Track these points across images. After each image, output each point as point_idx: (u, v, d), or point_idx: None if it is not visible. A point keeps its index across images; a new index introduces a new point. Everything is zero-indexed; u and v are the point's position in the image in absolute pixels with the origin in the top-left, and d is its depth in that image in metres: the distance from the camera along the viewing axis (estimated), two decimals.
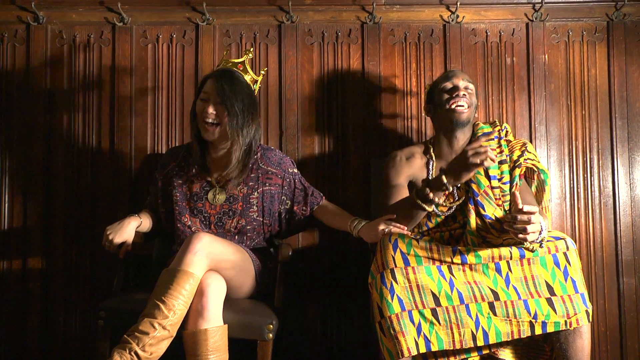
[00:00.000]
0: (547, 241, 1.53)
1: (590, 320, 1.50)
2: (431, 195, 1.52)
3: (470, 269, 1.51)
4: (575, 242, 2.20)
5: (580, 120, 2.25)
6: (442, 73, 1.94)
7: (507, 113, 2.25)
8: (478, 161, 1.43)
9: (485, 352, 1.60)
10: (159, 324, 1.43)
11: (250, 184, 1.79)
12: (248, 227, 1.80)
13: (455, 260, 1.50)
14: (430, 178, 1.54)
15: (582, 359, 1.51)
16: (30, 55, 2.26)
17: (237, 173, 1.74)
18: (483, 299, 1.48)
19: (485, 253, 1.50)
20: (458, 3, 2.22)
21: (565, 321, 1.47)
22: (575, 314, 1.47)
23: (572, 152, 2.24)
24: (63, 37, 2.27)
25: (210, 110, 1.70)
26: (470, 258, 1.50)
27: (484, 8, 2.28)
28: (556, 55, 2.27)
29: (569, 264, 1.50)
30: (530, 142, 2.23)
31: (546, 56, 2.27)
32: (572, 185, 2.23)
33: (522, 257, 1.49)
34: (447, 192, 1.79)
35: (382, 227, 1.60)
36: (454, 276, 1.50)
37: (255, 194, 1.79)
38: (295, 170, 1.88)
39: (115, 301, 1.69)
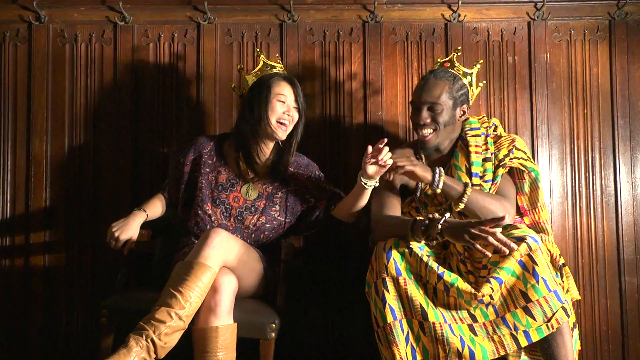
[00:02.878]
0: (510, 238, 1.49)
1: (570, 314, 1.48)
2: (422, 236, 1.52)
3: (453, 297, 1.50)
4: (577, 241, 2.20)
5: (582, 119, 2.25)
6: (423, 77, 1.84)
7: (509, 112, 2.25)
8: (475, 239, 1.43)
9: None
10: (176, 314, 1.44)
11: (276, 184, 1.86)
12: (267, 225, 1.84)
13: (438, 287, 1.49)
14: (428, 222, 1.51)
15: (566, 354, 1.49)
16: (32, 54, 2.26)
17: (282, 169, 1.85)
18: (462, 322, 1.48)
19: (467, 289, 1.45)
20: (460, 2, 2.21)
21: (547, 325, 1.45)
22: (554, 314, 1.45)
23: (573, 151, 2.24)
24: (65, 36, 2.27)
25: (293, 112, 1.83)
26: (452, 291, 1.47)
27: (486, 7, 2.28)
28: (558, 54, 2.27)
29: (536, 264, 1.46)
30: (532, 141, 2.23)
31: (548, 55, 2.27)
32: (573, 184, 2.23)
33: (500, 284, 1.45)
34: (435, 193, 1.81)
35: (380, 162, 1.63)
36: (435, 297, 1.50)
37: (280, 193, 1.86)
38: (321, 174, 1.96)
39: (117, 299, 1.70)
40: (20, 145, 2.25)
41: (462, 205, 1.67)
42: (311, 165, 1.95)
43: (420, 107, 1.76)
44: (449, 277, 1.47)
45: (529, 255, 1.47)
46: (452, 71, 1.80)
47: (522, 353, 1.65)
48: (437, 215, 1.53)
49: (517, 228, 1.54)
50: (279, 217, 1.86)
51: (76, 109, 2.25)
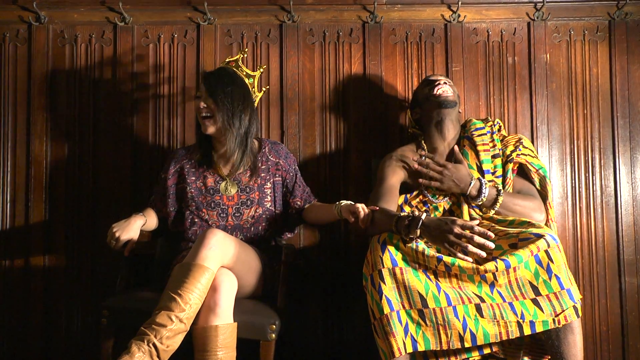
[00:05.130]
0: (527, 239, 1.49)
1: (580, 315, 1.48)
2: (403, 233, 1.50)
3: (455, 276, 1.49)
4: (577, 241, 2.20)
5: (582, 119, 2.25)
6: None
7: (509, 112, 2.25)
8: (454, 247, 1.42)
9: (486, 351, 1.60)
10: (176, 317, 1.44)
11: (262, 174, 1.90)
12: (263, 217, 1.87)
13: (439, 268, 1.48)
14: (408, 222, 1.49)
15: (575, 354, 1.49)
16: (32, 55, 2.26)
17: (239, 162, 1.85)
18: (470, 301, 1.46)
19: (468, 265, 1.45)
20: (459, 2, 2.22)
21: (554, 319, 1.45)
22: (563, 311, 1.45)
23: (573, 152, 2.24)
24: (64, 36, 2.27)
25: (202, 105, 1.84)
26: (454, 269, 1.47)
27: (486, 7, 2.28)
28: (558, 55, 2.27)
29: (552, 261, 1.46)
30: (532, 141, 2.23)
31: (548, 55, 2.27)
32: (573, 185, 2.23)
33: (507, 267, 1.44)
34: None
35: (358, 205, 1.65)
36: (439, 281, 1.49)
37: (268, 184, 1.91)
38: (297, 168, 2.01)
39: (118, 300, 1.70)
40: (20, 146, 2.25)
41: (493, 212, 1.70)
42: (290, 158, 1.98)
43: (437, 79, 1.90)
44: (449, 257, 1.46)
45: (546, 252, 1.47)
46: None
47: (522, 353, 1.65)
48: (417, 213, 1.52)
49: (536, 226, 1.55)
50: (271, 208, 1.90)
51: (76, 110, 2.25)
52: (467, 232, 1.41)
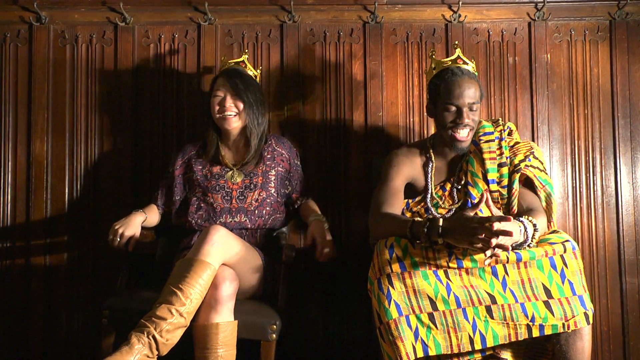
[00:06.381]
0: (547, 242, 1.49)
1: (591, 322, 1.47)
2: (423, 239, 1.47)
3: (467, 272, 1.48)
4: (578, 241, 2.20)
5: (583, 119, 2.25)
6: (449, 77, 1.72)
7: (510, 112, 2.25)
8: (482, 246, 1.36)
9: (488, 352, 1.60)
10: (177, 311, 1.44)
11: (267, 162, 1.94)
12: (267, 201, 1.90)
13: (451, 265, 1.47)
14: (429, 224, 1.45)
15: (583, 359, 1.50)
16: (32, 55, 2.26)
17: (256, 159, 1.92)
18: (480, 303, 1.45)
19: (481, 256, 1.45)
20: (460, 2, 2.22)
21: (563, 324, 1.45)
22: (574, 317, 1.45)
23: (574, 152, 2.24)
24: (65, 37, 2.28)
25: (229, 103, 1.88)
26: (467, 262, 1.46)
27: (486, 7, 2.28)
28: (558, 55, 2.27)
29: (566, 267, 1.46)
30: (532, 141, 2.22)
31: (548, 55, 2.27)
32: (574, 185, 2.23)
33: (518, 260, 1.45)
34: (447, 194, 1.79)
35: (320, 246, 1.79)
36: (450, 280, 1.47)
37: (273, 172, 1.94)
38: (299, 163, 2.05)
39: (119, 300, 1.70)
40: (21, 145, 2.25)
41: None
42: (293, 152, 2.03)
43: (461, 109, 1.69)
44: (459, 251, 1.46)
45: (562, 256, 1.47)
46: (471, 70, 1.76)
47: (523, 353, 1.65)
48: (431, 216, 1.52)
49: (558, 233, 1.54)
50: (274, 194, 1.92)
51: (77, 110, 2.26)
52: (493, 230, 1.34)
